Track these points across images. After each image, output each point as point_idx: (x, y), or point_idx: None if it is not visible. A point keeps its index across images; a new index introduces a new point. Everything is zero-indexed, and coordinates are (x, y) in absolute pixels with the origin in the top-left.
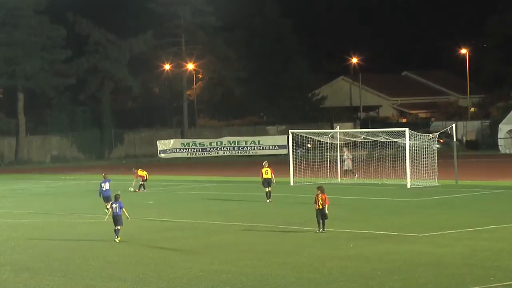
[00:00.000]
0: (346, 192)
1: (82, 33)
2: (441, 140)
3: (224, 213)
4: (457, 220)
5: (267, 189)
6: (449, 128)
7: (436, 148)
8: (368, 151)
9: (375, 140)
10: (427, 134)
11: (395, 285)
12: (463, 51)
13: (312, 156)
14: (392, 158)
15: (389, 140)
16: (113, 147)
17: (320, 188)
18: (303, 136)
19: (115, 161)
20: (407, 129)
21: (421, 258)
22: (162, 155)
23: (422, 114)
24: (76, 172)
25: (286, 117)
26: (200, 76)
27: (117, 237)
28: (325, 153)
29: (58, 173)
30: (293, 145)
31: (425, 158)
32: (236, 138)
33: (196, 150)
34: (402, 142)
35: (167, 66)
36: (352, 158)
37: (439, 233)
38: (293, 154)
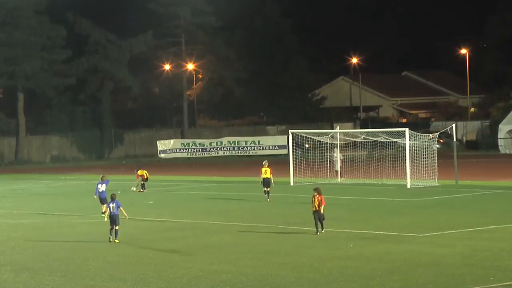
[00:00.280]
0: (346, 192)
1: (82, 33)
2: (441, 140)
3: (224, 213)
4: (457, 220)
5: (265, 189)
6: (449, 128)
7: (436, 148)
8: (368, 151)
9: (375, 140)
10: (427, 134)
11: (395, 285)
12: (463, 51)
13: (312, 156)
14: (392, 158)
15: (389, 140)
16: (113, 147)
17: (317, 190)
18: (302, 136)
19: (115, 161)
20: (407, 129)
21: (421, 258)
22: (162, 155)
23: (422, 114)
24: (76, 172)
25: (286, 117)
26: (200, 76)
27: (116, 239)
28: (325, 153)
29: (58, 173)
30: (293, 145)
31: (425, 158)
32: (236, 138)
33: (196, 150)
34: (402, 142)
35: (167, 66)
36: (343, 159)
37: (439, 233)
38: (293, 154)
